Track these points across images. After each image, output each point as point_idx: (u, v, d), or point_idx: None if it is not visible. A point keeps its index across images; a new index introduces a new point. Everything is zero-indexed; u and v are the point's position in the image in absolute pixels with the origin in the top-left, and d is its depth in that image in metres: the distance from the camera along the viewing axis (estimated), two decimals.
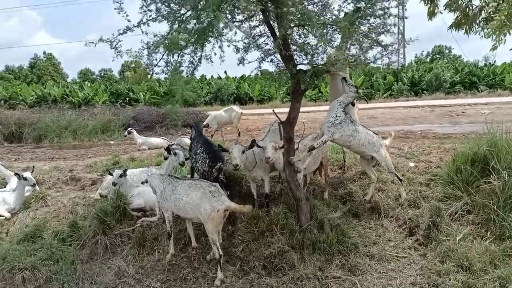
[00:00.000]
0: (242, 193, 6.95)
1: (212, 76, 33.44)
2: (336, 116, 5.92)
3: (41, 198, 7.54)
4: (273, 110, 5.97)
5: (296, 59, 5.48)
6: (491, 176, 5.78)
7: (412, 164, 7.93)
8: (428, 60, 44.85)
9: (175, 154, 6.43)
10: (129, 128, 13.28)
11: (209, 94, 28.37)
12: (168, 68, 4.63)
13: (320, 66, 5.44)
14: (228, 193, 6.13)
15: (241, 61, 5.00)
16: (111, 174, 6.82)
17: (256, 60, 5.14)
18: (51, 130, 18.08)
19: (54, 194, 8.02)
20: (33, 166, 8.49)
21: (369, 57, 5.41)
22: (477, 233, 5.54)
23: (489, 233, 5.47)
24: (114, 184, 6.62)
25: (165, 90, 28.03)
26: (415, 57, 50.73)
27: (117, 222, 6.34)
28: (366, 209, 6.43)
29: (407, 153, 8.74)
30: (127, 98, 28.20)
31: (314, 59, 5.49)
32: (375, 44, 5.29)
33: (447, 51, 50.87)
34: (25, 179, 7.32)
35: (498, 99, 20.74)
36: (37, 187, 7.78)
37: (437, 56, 48.42)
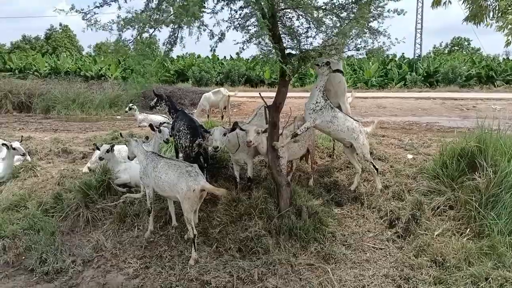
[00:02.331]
0: (228, 175, 6.95)
1: (224, 56, 33.27)
2: (317, 102, 5.85)
3: (31, 168, 7.65)
4: (259, 94, 5.91)
5: (284, 43, 5.39)
6: (476, 173, 5.67)
7: (410, 156, 7.85)
8: (446, 51, 43.87)
9: (159, 131, 6.44)
10: (130, 104, 13.32)
11: (220, 75, 28.24)
12: (137, 45, 4.53)
13: (309, 51, 5.34)
14: (206, 171, 6.16)
15: (213, 48, 4.92)
16: (98, 149, 6.86)
17: (239, 42, 5.03)
18: (59, 101, 18.26)
19: (44, 165, 8.13)
20: (22, 136, 8.59)
21: (359, 43, 5.30)
22: (457, 229, 5.47)
23: (468, 230, 5.39)
24: (100, 158, 6.67)
25: (176, 68, 28.02)
26: (434, 47, 49.78)
27: (100, 196, 6.42)
28: (349, 199, 6.40)
29: (406, 145, 8.65)
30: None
31: (303, 43, 5.41)
32: (366, 29, 5.16)
33: (466, 43, 49.67)
34: (14, 149, 7.40)
35: None
36: (28, 157, 7.88)
37: (455, 48, 47.29)
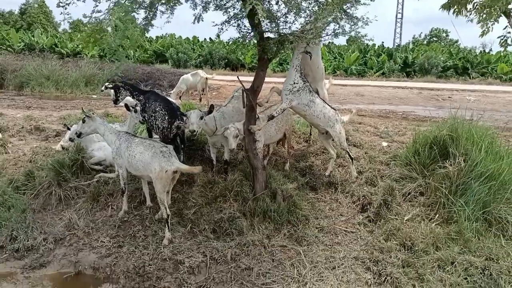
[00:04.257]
0: (204, 158, 6.94)
1: (204, 38, 32.85)
2: (294, 83, 5.81)
3: (1, 145, 7.48)
4: (237, 77, 5.88)
5: (263, 27, 5.36)
6: (448, 161, 5.81)
7: (384, 144, 7.98)
8: (425, 42, 44.41)
9: (135, 111, 6.33)
10: (106, 83, 13.05)
11: (200, 57, 27.89)
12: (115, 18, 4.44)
13: (287, 35, 5.34)
14: (183, 152, 6.13)
15: (197, 18, 4.84)
16: (69, 129, 6.72)
17: (217, 24, 4.99)
18: (33, 78, 17.77)
19: (16, 142, 7.96)
20: None
21: (337, 29, 5.34)
22: (426, 215, 5.62)
23: (437, 216, 5.55)
24: (71, 140, 6.54)
25: (154, 48, 27.55)
26: (413, 38, 50.41)
27: (73, 175, 6.34)
28: (324, 183, 6.48)
29: (382, 133, 8.77)
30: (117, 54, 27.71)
31: (281, 27, 5.40)
32: (344, 16, 5.19)
33: (444, 34, 50.36)
34: None
35: (487, 87, 20.68)
36: None
37: (434, 39, 47.90)
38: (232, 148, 5.73)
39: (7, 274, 4.97)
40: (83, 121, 5.67)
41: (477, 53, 29.47)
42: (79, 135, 5.73)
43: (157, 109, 6.05)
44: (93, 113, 5.79)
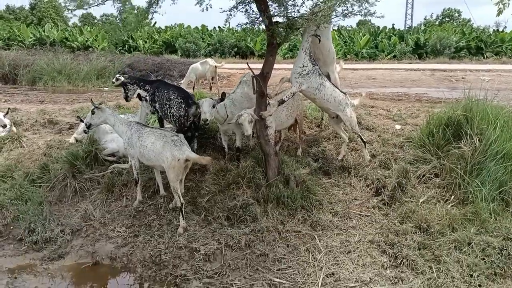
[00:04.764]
0: (216, 146, 6.94)
1: (214, 27, 32.70)
2: (304, 66, 5.73)
3: (16, 139, 7.57)
4: (247, 64, 5.84)
5: (271, 11, 5.30)
6: (462, 141, 5.72)
7: (398, 127, 7.89)
8: (437, 23, 43.61)
9: (146, 100, 6.34)
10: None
11: (209, 46, 27.79)
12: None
13: (295, 18, 5.27)
14: (196, 140, 6.12)
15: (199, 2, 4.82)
16: (82, 121, 6.76)
17: (225, 11, 4.95)
18: (46, 73, 17.90)
19: (30, 136, 8.05)
20: (9, 108, 8.46)
21: (346, 10, 5.26)
22: (441, 197, 5.57)
23: (452, 197, 5.50)
24: (85, 131, 6.58)
25: (163, 39, 27.53)
26: (424, 19, 49.61)
27: (87, 166, 6.40)
28: (337, 168, 6.43)
29: (395, 115, 8.67)
30: (126, 46, 27.80)
31: (290, 11, 5.33)
32: None
33: (456, 14, 49.42)
34: None
35: (502, 66, 20.27)
36: (13, 128, 7.77)
37: (446, 19, 47.04)
38: (248, 134, 5.69)
39: (27, 266, 5.07)
40: (92, 113, 5.67)
41: (491, 32, 28.85)
42: (88, 126, 5.74)
43: (172, 97, 6.02)
44: (101, 104, 5.79)
